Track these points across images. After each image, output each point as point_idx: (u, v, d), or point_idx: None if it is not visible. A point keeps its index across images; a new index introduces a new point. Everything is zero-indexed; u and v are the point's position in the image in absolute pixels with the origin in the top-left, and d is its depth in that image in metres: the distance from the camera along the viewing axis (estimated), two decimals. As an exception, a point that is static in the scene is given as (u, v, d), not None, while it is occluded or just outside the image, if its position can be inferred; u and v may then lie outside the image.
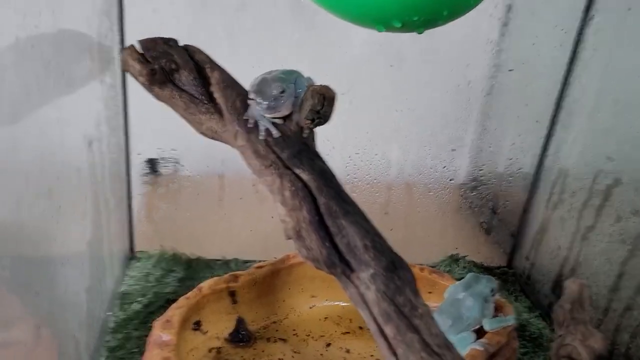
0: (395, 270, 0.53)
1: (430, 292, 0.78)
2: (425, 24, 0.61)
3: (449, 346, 0.51)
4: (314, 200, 0.57)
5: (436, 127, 0.89)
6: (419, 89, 0.89)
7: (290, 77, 0.59)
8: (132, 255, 0.91)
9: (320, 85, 0.59)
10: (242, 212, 0.95)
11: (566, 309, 0.55)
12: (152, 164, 0.90)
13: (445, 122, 0.89)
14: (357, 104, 0.88)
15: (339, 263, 0.54)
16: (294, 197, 0.57)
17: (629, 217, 0.68)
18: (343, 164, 0.91)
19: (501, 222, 0.97)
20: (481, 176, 0.92)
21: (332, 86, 0.89)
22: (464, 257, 0.97)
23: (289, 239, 0.58)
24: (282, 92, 0.57)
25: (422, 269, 0.79)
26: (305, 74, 0.63)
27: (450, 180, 0.92)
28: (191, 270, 0.89)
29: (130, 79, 0.70)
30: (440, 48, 0.89)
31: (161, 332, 0.62)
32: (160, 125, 0.85)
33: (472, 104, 0.89)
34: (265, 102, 0.57)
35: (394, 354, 0.51)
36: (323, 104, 0.57)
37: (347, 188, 0.94)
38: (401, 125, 0.90)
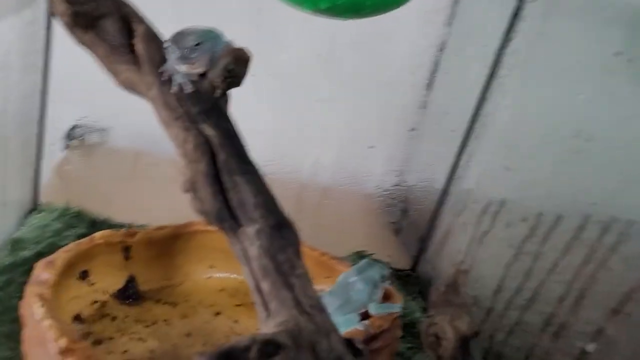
0: (280, 229, 0.54)
1: (327, 277, 0.80)
2: (349, 9, 0.63)
3: (320, 308, 0.52)
4: (214, 156, 0.58)
5: (357, 128, 0.92)
6: (347, 92, 0.92)
7: (209, 35, 0.60)
8: (34, 206, 0.88)
9: (238, 47, 0.60)
10: (157, 183, 0.94)
11: (440, 290, 0.57)
12: (74, 125, 0.89)
13: (366, 125, 0.92)
14: (289, 97, 0.90)
15: (228, 218, 0.55)
16: (195, 150, 0.58)
17: (518, 223, 0.72)
18: (265, 148, 0.91)
19: (411, 225, 1.00)
20: (395, 178, 0.96)
21: (271, 78, 0.91)
22: (370, 254, 0.99)
23: (186, 191, 0.59)
24: (197, 44, 0.58)
25: (322, 254, 0.81)
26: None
27: (365, 177, 0.95)
28: (94, 229, 0.85)
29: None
30: (376, 58, 0.93)
31: (42, 271, 0.61)
32: (87, 86, 0.84)
33: (394, 110, 0.92)
34: (178, 51, 0.57)
35: (267, 308, 0.52)
36: (237, 63, 0.59)
37: (263, 170, 0.96)
38: (325, 123, 0.92)
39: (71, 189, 0.90)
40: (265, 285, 0.52)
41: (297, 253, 0.54)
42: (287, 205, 1.03)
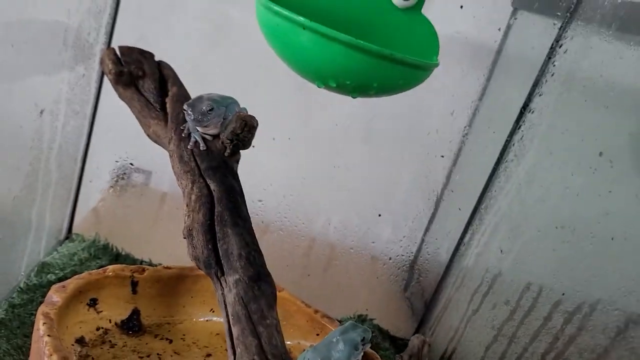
0: (258, 281, 0.60)
1: (318, 334, 0.83)
2: (357, 90, 0.69)
3: (283, 358, 0.57)
4: (213, 208, 0.65)
5: (368, 190, 0.97)
6: (363, 154, 0.98)
7: (224, 101, 0.69)
8: (68, 236, 0.98)
9: (247, 114, 0.68)
10: (178, 226, 1.02)
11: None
12: (113, 168, 0.99)
13: (377, 188, 0.97)
14: (310, 160, 0.97)
15: (214, 265, 0.62)
16: (197, 201, 0.65)
17: (502, 305, 0.74)
18: (276, 202, 0.98)
19: (415, 294, 1.02)
20: (401, 247, 0.99)
21: (295, 142, 0.97)
22: (372, 319, 1.02)
23: (184, 237, 0.66)
24: (211, 110, 0.66)
25: (316, 311, 0.85)
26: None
27: (373, 242, 0.99)
28: (116, 262, 0.95)
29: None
30: (399, 129, 0.99)
31: (54, 293, 0.68)
32: (127, 133, 0.93)
33: (404, 178, 0.97)
34: (193, 115, 0.66)
35: (234, 352, 0.57)
36: (244, 129, 0.66)
37: (276, 225, 1.02)
38: (337, 181, 0.98)
39: (102, 223, 0.99)
40: (235, 330, 0.57)
41: (271, 304, 0.59)
42: (297, 255, 1.08)
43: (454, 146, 1.01)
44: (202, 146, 0.68)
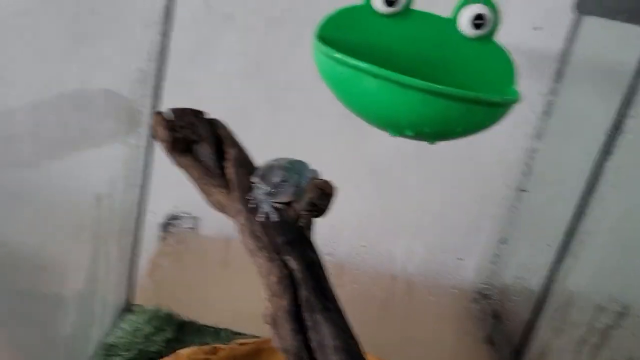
0: (360, 377, 0.53)
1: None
2: (437, 136, 0.62)
3: None
4: (296, 290, 0.58)
5: (447, 232, 0.90)
6: (437, 193, 0.90)
7: (295, 167, 0.62)
8: (128, 307, 0.92)
9: (322, 180, 0.61)
10: (244, 282, 0.96)
11: None
12: (166, 225, 0.94)
13: (456, 230, 0.89)
14: (371, 193, 0.90)
15: (306, 359, 0.55)
16: (279, 283, 0.58)
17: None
18: (348, 252, 0.91)
19: (502, 339, 0.94)
20: (486, 289, 0.91)
21: (350, 175, 0.89)
22: (458, 370, 0.94)
23: (268, 324, 0.59)
24: (284, 180, 0.59)
25: (405, 375, 0.77)
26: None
27: (453, 289, 0.91)
28: (181, 332, 0.89)
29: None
30: (469, 159, 0.91)
31: (128, 393, 0.63)
32: (181, 189, 0.88)
33: (485, 217, 0.89)
34: (266, 188, 0.59)
35: None
36: (321, 197, 0.59)
37: (349, 277, 0.95)
38: (412, 224, 0.90)
39: (162, 289, 0.93)
40: None
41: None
42: (375, 307, 1.00)
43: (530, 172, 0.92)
44: (274, 218, 0.62)
